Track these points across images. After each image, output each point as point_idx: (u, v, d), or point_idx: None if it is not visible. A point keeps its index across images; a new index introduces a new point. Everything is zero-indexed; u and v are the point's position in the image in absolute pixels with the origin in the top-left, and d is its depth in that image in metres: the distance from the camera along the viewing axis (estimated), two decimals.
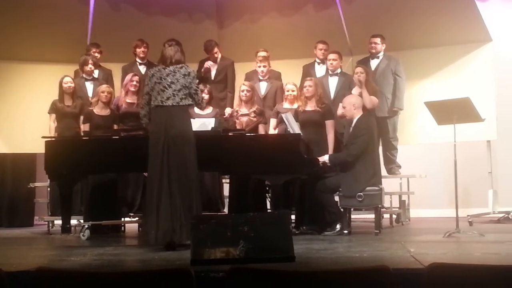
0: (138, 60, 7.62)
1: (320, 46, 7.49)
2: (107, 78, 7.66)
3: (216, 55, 7.62)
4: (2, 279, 2.70)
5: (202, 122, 5.95)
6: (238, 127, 6.61)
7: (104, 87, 6.96)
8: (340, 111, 6.51)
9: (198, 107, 5.59)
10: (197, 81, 5.57)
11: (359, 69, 6.80)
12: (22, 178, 8.09)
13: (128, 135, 6.30)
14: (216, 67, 7.64)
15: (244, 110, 6.81)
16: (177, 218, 5.05)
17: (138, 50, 7.57)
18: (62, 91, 7.14)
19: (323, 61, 7.48)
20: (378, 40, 7.37)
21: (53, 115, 7.15)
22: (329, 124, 6.52)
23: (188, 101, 5.26)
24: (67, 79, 7.17)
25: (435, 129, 6.73)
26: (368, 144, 6.16)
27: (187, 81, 5.26)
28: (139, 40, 7.60)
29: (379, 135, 7.02)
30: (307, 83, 6.61)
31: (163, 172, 5.12)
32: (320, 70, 7.50)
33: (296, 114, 6.54)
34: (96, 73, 7.56)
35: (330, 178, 6.21)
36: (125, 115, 6.86)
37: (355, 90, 6.74)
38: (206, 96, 6.81)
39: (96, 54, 7.57)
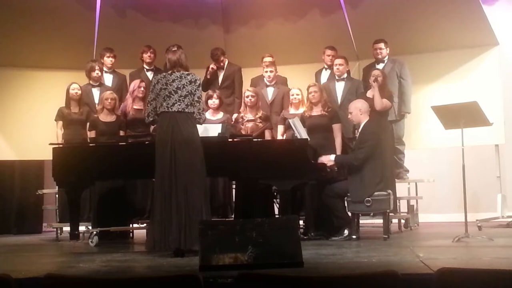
0: (145, 66, 7.63)
1: (328, 52, 7.45)
2: (122, 83, 7.65)
3: (222, 64, 7.62)
4: (11, 286, 2.71)
5: (204, 127, 5.88)
6: (243, 132, 6.62)
7: (108, 93, 6.97)
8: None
9: (197, 117, 5.31)
10: (201, 92, 5.46)
11: (377, 72, 6.79)
12: (30, 185, 8.11)
13: (135, 141, 6.31)
14: (223, 72, 7.65)
15: (249, 115, 6.81)
16: (185, 224, 5.05)
17: (145, 55, 7.57)
18: (68, 98, 7.18)
19: (330, 67, 7.47)
20: (382, 45, 7.33)
21: (60, 122, 7.16)
22: (336, 128, 6.52)
23: (193, 108, 5.24)
24: (74, 85, 7.19)
25: (443, 134, 6.71)
26: (374, 149, 6.14)
27: (193, 88, 5.25)
28: (146, 46, 7.60)
29: (391, 139, 6.99)
30: (311, 89, 6.61)
31: (171, 178, 5.12)
32: (324, 75, 7.49)
33: (303, 120, 6.54)
34: (108, 78, 7.55)
35: (338, 183, 6.20)
36: (133, 122, 6.87)
37: (371, 93, 6.74)
38: (216, 101, 6.84)
39: (110, 59, 7.58)
